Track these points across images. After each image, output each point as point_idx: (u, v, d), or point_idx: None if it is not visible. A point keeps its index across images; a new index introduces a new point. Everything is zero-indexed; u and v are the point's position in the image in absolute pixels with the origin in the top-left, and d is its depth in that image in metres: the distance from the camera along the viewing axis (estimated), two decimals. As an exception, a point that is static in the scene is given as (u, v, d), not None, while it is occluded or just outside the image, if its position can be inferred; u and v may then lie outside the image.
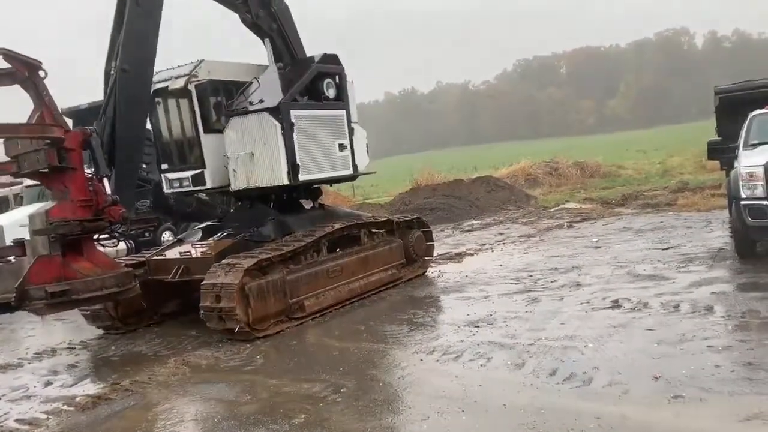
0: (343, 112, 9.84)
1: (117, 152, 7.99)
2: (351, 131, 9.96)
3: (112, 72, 8.11)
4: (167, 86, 9.10)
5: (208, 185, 9.41)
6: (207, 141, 9.25)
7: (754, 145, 9.42)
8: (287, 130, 8.84)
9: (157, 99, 9.26)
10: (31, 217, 7.16)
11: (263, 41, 9.89)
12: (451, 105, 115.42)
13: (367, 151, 10.49)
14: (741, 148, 9.65)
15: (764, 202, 8.40)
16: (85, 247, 7.34)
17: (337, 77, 9.77)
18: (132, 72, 8.04)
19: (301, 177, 9.09)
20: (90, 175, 7.44)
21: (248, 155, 8.97)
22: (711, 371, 5.25)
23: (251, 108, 8.94)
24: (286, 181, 8.92)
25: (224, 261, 8.07)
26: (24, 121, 7.19)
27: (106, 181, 7.62)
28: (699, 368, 5.32)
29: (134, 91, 8.13)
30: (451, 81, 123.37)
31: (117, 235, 8.08)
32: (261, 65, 9.85)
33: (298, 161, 8.98)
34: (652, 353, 5.84)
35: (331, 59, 9.80)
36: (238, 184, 9.19)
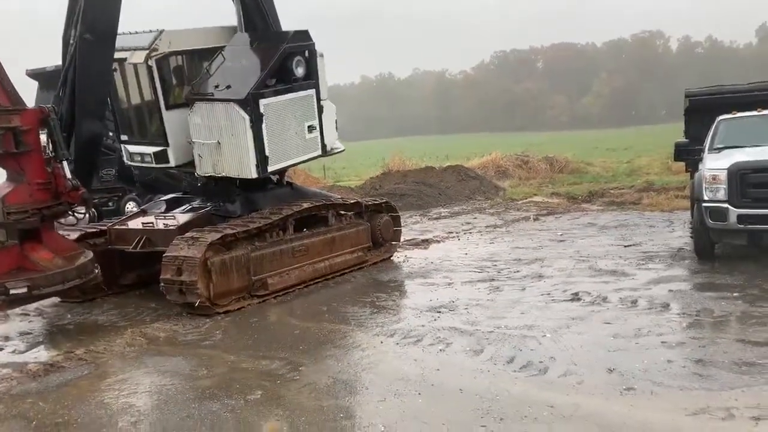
0: (313, 91, 9.46)
1: (77, 127, 7.61)
2: (320, 110, 9.63)
3: (72, 40, 7.68)
4: (125, 58, 8.61)
5: (172, 163, 9.09)
6: (169, 117, 8.86)
7: (719, 149, 9.60)
8: (256, 122, 8.51)
9: (114, 66, 8.72)
10: None
11: (232, 1, 9.52)
12: (427, 92, 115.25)
13: (336, 127, 10.18)
14: (706, 151, 9.82)
15: (725, 205, 8.58)
16: (44, 233, 7.11)
17: (306, 52, 9.32)
18: (94, 40, 7.61)
19: (270, 168, 8.88)
20: (48, 156, 7.14)
21: (214, 144, 8.63)
22: (663, 366, 5.37)
23: (218, 95, 8.53)
24: (254, 174, 8.69)
25: (188, 234, 7.95)
26: None
27: (65, 164, 7.25)
28: (652, 362, 5.45)
29: (96, 60, 7.72)
30: (428, 68, 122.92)
31: (77, 216, 7.85)
32: (225, 27, 9.46)
33: (267, 153, 8.71)
34: (608, 346, 5.95)
35: (301, 36, 9.31)
36: (204, 169, 8.88)
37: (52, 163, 7.12)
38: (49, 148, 7.17)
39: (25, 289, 6.58)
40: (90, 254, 7.53)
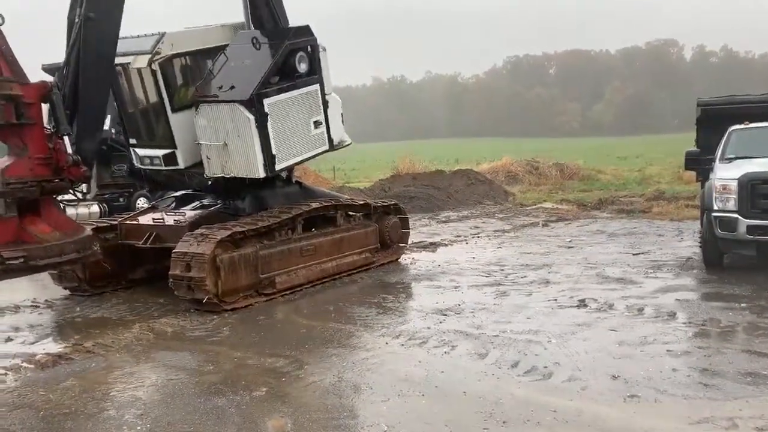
0: (317, 86, 9.39)
1: (80, 108, 7.54)
2: (325, 104, 9.56)
3: (77, 19, 7.54)
4: (128, 63, 8.60)
5: (181, 165, 9.10)
6: (176, 120, 8.86)
7: (730, 159, 9.56)
8: (261, 122, 8.49)
9: (117, 69, 8.67)
10: None
11: None
12: (439, 95, 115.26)
13: (342, 121, 10.14)
14: (717, 160, 9.79)
15: (735, 216, 8.55)
16: (44, 208, 7.05)
17: (309, 48, 9.26)
18: (98, 20, 7.49)
19: (278, 166, 8.87)
20: (50, 131, 7.09)
21: (221, 145, 8.62)
22: (668, 374, 5.37)
23: (222, 96, 8.51)
24: (262, 174, 8.69)
25: (197, 231, 8.01)
26: None
27: (66, 140, 7.19)
28: (657, 370, 5.44)
29: (100, 41, 7.63)
30: (440, 72, 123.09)
31: (78, 195, 7.81)
32: (227, 25, 9.46)
33: (274, 151, 8.71)
34: (613, 353, 5.95)
35: (303, 31, 9.25)
36: (212, 171, 8.86)
37: (54, 138, 7.07)
38: (50, 124, 7.14)
39: (21, 260, 6.50)
40: (90, 231, 7.47)
